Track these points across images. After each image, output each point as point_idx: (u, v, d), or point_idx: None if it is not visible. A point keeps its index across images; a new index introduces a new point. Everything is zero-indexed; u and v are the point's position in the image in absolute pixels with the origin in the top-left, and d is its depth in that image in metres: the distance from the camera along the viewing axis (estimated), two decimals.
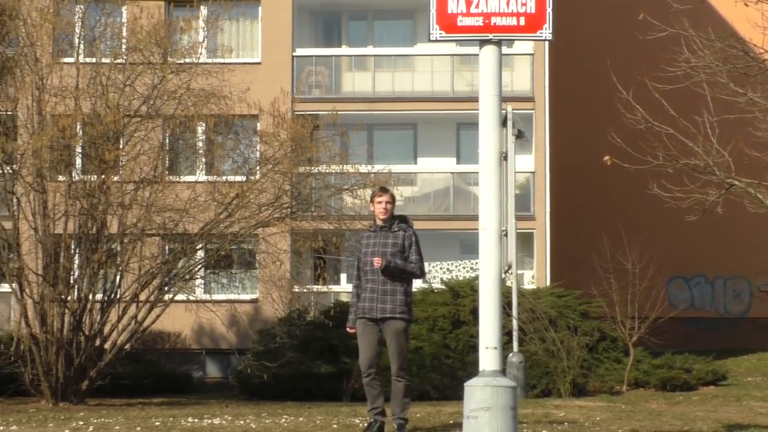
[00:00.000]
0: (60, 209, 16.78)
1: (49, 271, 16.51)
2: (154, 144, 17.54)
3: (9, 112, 17.09)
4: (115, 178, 16.82)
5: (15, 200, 16.74)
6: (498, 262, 8.30)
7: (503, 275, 8.47)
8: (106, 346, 17.06)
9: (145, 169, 17.16)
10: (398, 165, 25.26)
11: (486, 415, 7.98)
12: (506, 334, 16.38)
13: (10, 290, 17.36)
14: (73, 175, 17.07)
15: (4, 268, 16.67)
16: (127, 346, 17.44)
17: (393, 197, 10.41)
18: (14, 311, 20.29)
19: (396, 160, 25.99)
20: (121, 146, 17.10)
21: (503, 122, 8.53)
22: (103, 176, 16.38)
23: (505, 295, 10.54)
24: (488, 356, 8.21)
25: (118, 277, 17.26)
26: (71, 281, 16.72)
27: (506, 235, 8.52)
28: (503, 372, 8.45)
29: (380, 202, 10.33)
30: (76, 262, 17.00)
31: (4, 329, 20.71)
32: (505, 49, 8.94)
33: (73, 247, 16.90)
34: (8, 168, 16.70)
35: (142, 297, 17.21)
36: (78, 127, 17.00)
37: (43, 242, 16.63)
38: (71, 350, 16.40)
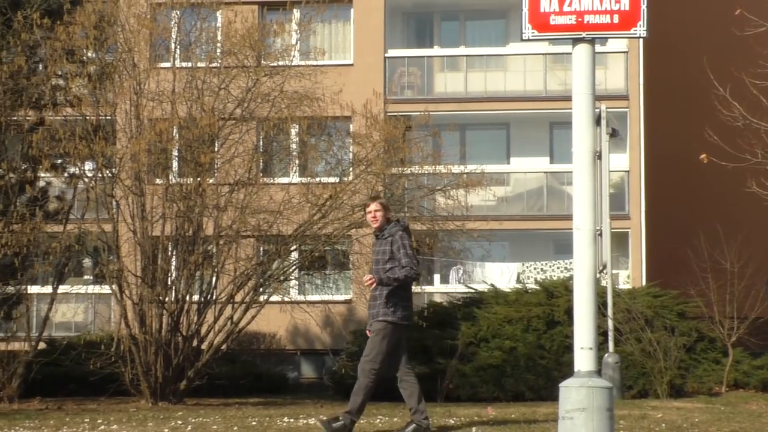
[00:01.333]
0: (157, 212, 16.99)
1: (148, 272, 16.74)
2: (248, 146, 17.69)
3: (108, 117, 17.36)
4: (211, 181, 17.01)
5: (114, 203, 17.01)
6: (592, 261, 8.25)
7: (598, 275, 8.41)
8: (203, 346, 17.23)
9: (240, 171, 17.30)
10: (491, 165, 25.23)
11: (582, 416, 7.94)
12: (601, 334, 16.23)
13: (110, 292, 17.63)
14: (170, 178, 17.24)
15: (105, 270, 16.93)
16: (224, 347, 17.61)
17: (382, 204, 10.52)
18: (114, 312, 20.72)
19: (489, 160, 25.94)
20: (216, 149, 17.29)
21: (597, 121, 8.48)
22: (198, 179, 16.54)
23: (600, 295, 10.48)
24: (583, 357, 8.16)
25: (214, 279, 17.41)
26: (169, 282, 16.92)
27: (601, 234, 8.46)
28: (599, 373, 8.40)
29: (369, 212, 10.51)
30: (174, 263, 17.18)
31: (104, 330, 21.18)
32: (598, 47, 8.88)
33: (170, 248, 17.07)
34: (108, 172, 16.98)
35: (238, 298, 17.38)
36: (174, 130, 17.17)
37: (142, 244, 16.86)
38: (170, 350, 16.60)
